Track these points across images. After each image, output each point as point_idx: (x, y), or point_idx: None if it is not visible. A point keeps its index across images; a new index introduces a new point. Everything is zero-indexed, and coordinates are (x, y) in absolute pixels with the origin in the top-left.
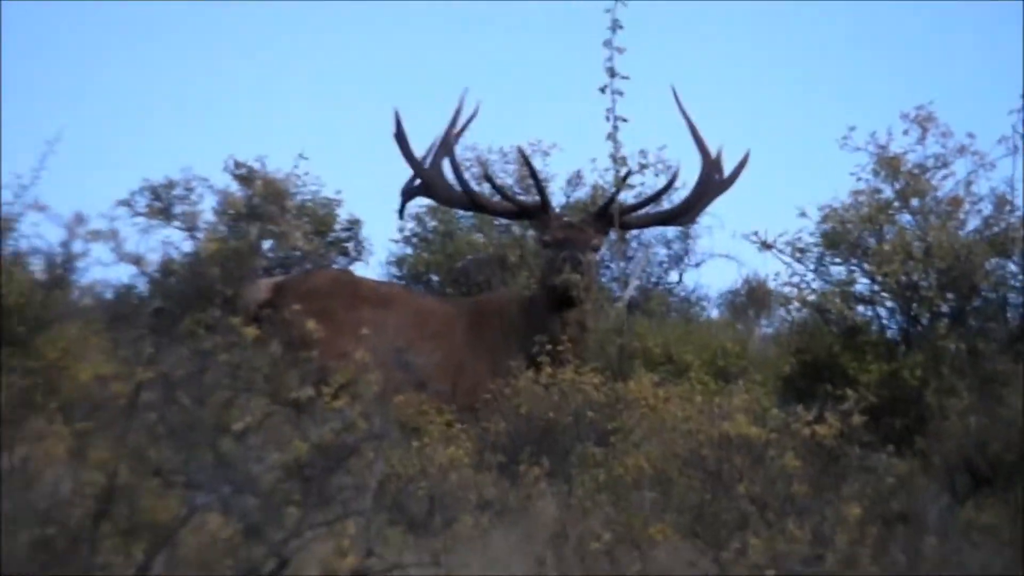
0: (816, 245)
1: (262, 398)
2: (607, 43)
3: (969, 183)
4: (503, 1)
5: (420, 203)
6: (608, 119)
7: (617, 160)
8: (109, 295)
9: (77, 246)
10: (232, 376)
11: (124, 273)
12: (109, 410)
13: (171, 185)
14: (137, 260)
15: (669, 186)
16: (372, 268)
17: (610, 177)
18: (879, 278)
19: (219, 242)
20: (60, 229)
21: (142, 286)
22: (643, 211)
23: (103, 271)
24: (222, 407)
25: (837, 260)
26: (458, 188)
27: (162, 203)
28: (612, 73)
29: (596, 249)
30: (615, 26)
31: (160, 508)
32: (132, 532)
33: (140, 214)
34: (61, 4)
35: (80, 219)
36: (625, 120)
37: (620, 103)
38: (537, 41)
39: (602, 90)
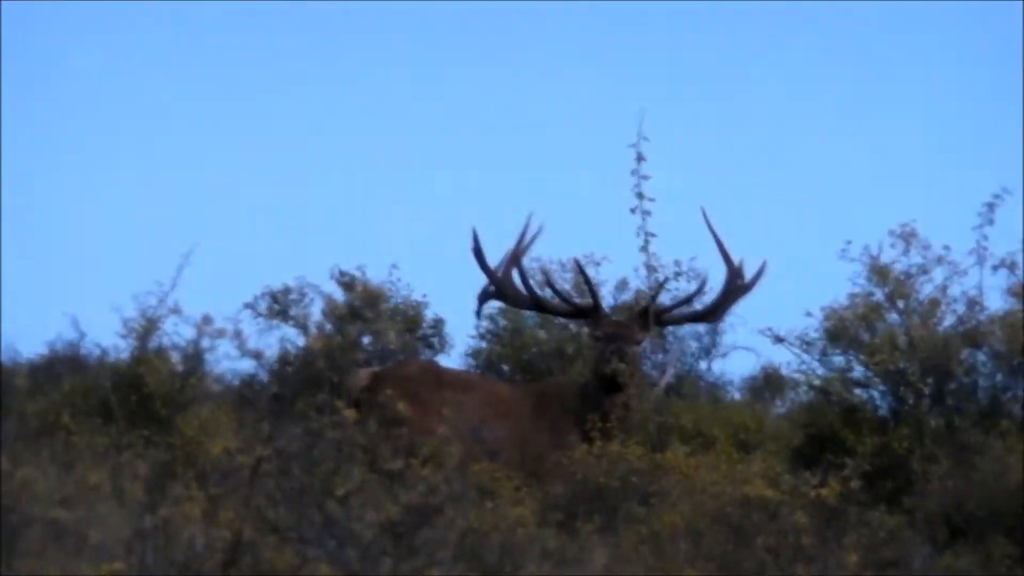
0: (820, 339)
1: (361, 468)
2: (634, 172)
3: (945, 287)
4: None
5: (493, 305)
6: (638, 235)
7: (649, 269)
8: (236, 382)
9: (205, 342)
10: (336, 450)
11: (248, 365)
12: (236, 478)
13: (287, 291)
14: (257, 355)
15: (699, 290)
16: (454, 359)
17: (648, 283)
18: (872, 366)
19: (326, 339)
20: (192, 328)
21: (263, 375)
22: (677, 311)
23: (230, 363)
24: (328, 475)
25: (838, 351)
26: (525, 293)
27: (280, 305)
28: (640, 196)
29: (639, 343)
30: (639, 158)
31: (278, 560)
32: None
33: (261, 315)
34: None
35: (207, 320)
36: (654, 235)
37: (649, 220)
38: (594, 165)
39: (632, 211)
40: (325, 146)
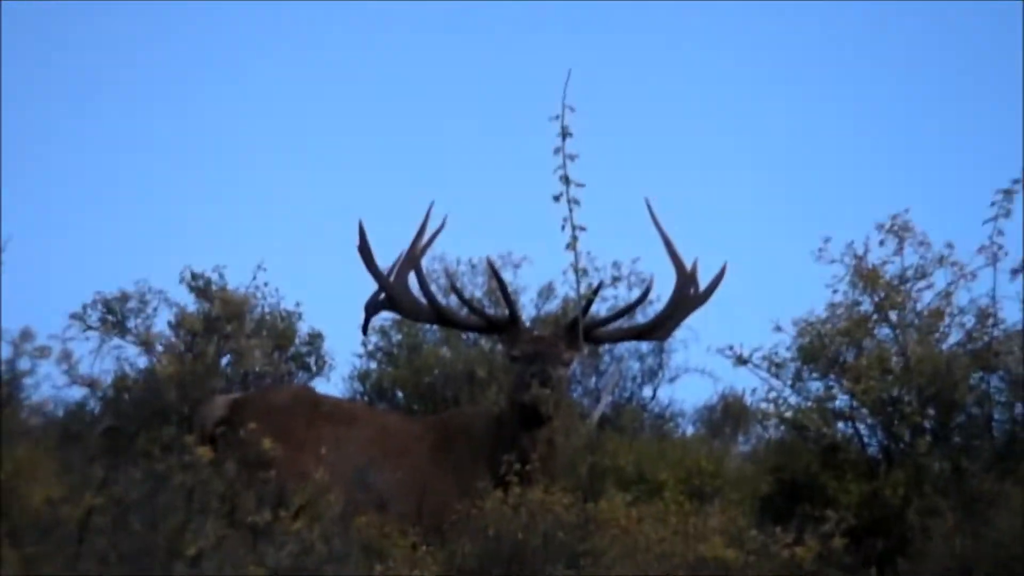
0: (793, 360)
1: (217, 521)
2: (557, 150)
3: (949, 294)
4: (465, 105)
5: (385, 317)
6: (564, 229)
7: (580, 272)
8: (60, 413)
9: (23, 363)
10: (187, 498)
11: (77, 392)
12: (60, 534)
13: (125, 298)
14: (91, 383)
15: (642, 299)
16: (334, 384)
17: (577, 290)
18: (858, 394)
19: (174, 359)
20: (6, 346)
21: (94, 404)
22: (616, 324)
23: (54, 390)
24: (176, 531)
25: (815, 375)
26: (424, 301)
27: (116, 317)
28: (567, 180)
29: (567, 364)
30: (564, 133)
31: None
32: None
33: (92, 328)
34: None
35: (27, 336)
36: (583, 229)
37: (579, 211)
38: (506, 150)
39: (556, 199)
40: (172, 119)
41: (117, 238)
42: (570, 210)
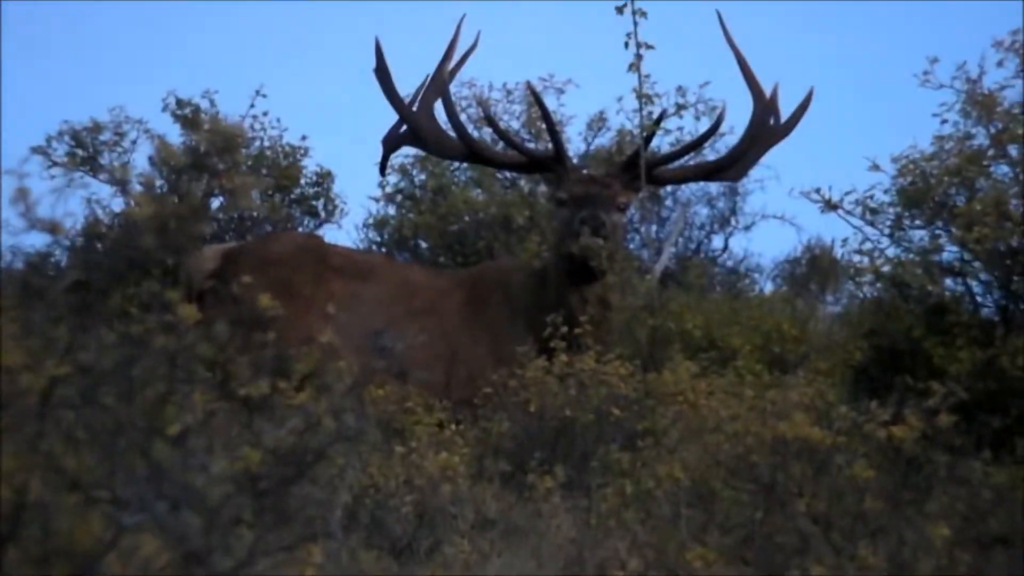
0: (892, 204)
1: (206, 393)
2: None
3: None
4: None
5: (407, 152)
6: (627, 46)
7: (642, 97)
8: (19, 265)
9: None
10: (169, 366)
11: (39, 240)
12: (18, 409)
13: (98, 128)
14: (52, 227)
15: (713, 131)
16: (346, 232)
17: (638, 120)
18: (970, 244)
19: (155, 200)
20: None
21: (60, 254)
22: (681, 162)
23: (10, 237)
24: (156, 405)
25: (918, 222)
26: (453, 134)
27: (86, 151)
28: None
29: (623, 209)
30: None
31: (80, 530)
32: (46, 559)
33: (58, 164)
34: None
35: None
36: (651, 47)
37: (644, 26)
38: None
39: (619, 10)
40: None
41: (90, 59)
42: (635, 23)
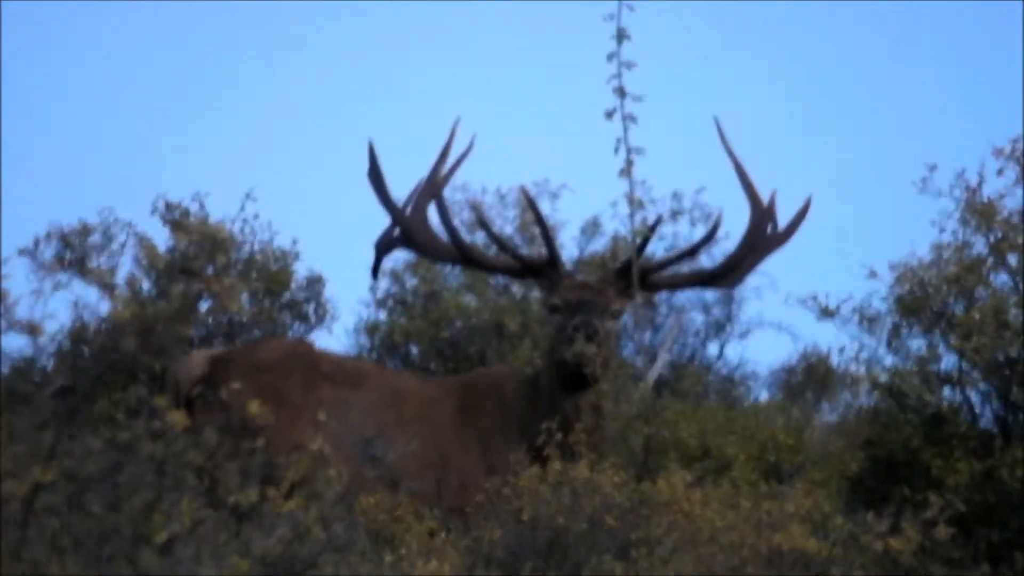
0: (889, 312)
1: (194, 500)
2: (611, 56)
3: None
4: (496, 13)
5: (399, 257)
6: (618, 151)
7: (634, 202)
8: (3, 370)
9: None
10: (156, 473)
11: (20, 343)
12: (1, 516)
13: (86, 231)
14: (31, 329)
15: (709, 238)
16: (336, 338)
17: (631, 226)
18: (968, 353)
19: (141, 304)
20: None
21: (45, 359)
22: (676, 269)
23: None
24: (143, 512)
25: (916, 331)
26: (446, 238)
27: (74, 253)
28: (622, 93)
29: (617, 315)
30: (621, 36)
31: None
32: None
33: (44, 267)
34: None
35: None
36: (640, 151)
37: (636, 131)
38: (542, 62)
39: (609, 115)
40: (147, 21)
41: (79, 160)
42: (625, 128)
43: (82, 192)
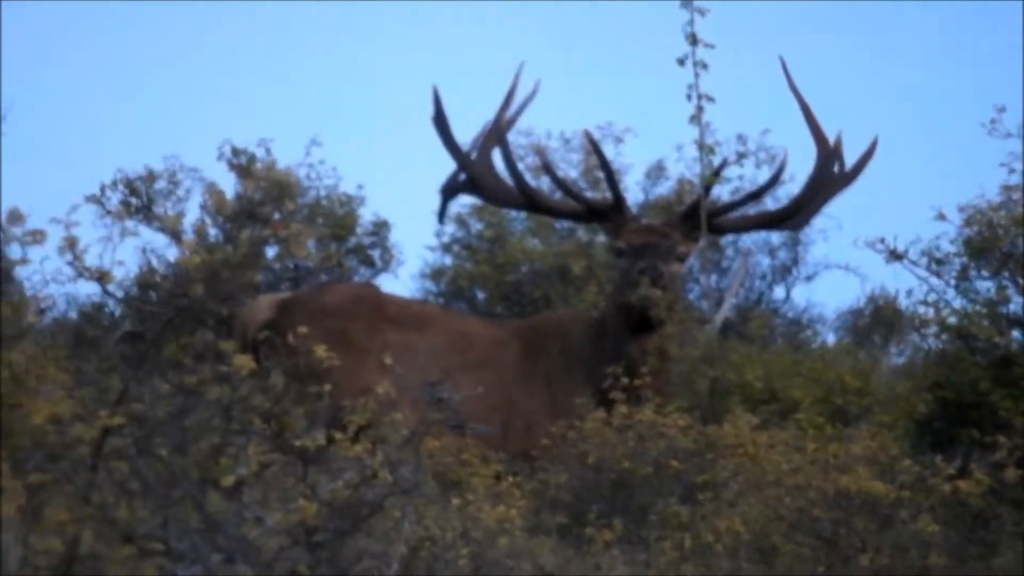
0: (958, 255)
1: (260, 444)
2: (685, 3)
3: None
4: None
5: (464, 202)
6: (690, 98)
7: (704, 148)
8: (71, 315)
9: (14, 251)
10: (223, 417)
11: (90, 289)
12: (70, 460)
13: (152, 177)
14: (101, 275)
15: (775, 180)
16: (402, 282)
17: (698, 169)
18: None
19: (208, 250)
20: None
21: (112, 304)
22: (742, 211)
23: (62, 286)
24: (210, 456)
25: (985, 273)
26: (511, 183)
27: (140, 200)
28: (694, 40)
29: (682, 258)
30: None
31: None
32: None
33: (112, 213)
34: None
35: (15, 216)
36: (711, 99)
37: (705, 78)
38: (608, 3)
39: (681, 62)
40: None
41: (145, 107)
42: (696, 75)
43: (147, 140)
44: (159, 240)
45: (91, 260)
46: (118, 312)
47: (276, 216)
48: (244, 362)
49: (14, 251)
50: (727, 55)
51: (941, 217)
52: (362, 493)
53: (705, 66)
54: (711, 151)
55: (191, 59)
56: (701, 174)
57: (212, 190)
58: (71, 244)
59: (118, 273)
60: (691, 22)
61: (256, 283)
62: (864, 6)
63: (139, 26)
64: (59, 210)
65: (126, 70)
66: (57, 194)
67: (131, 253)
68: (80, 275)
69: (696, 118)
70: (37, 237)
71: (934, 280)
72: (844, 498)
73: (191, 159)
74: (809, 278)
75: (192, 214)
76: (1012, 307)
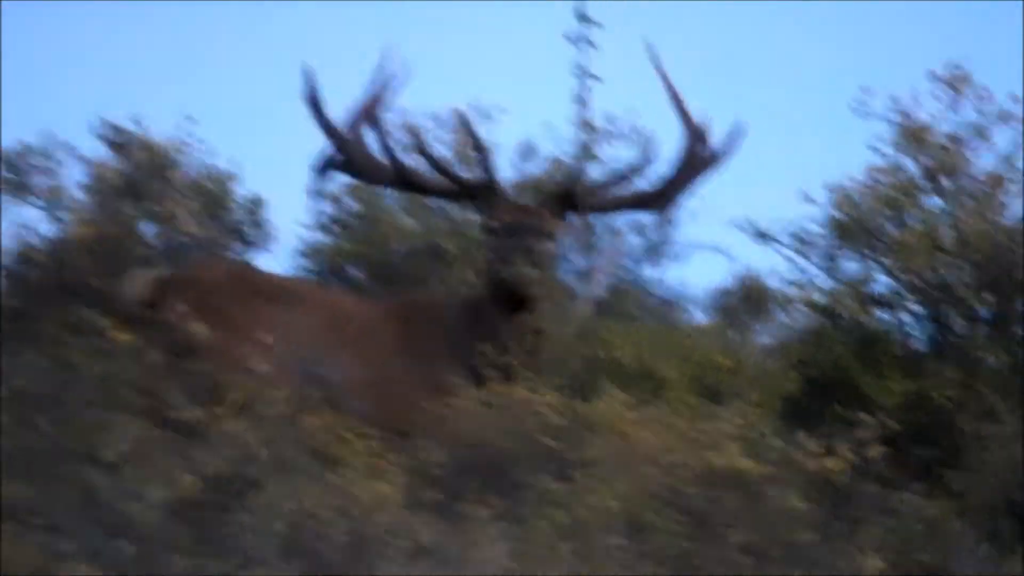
0: (824, 235)
1: (140, 420)
2: None
3: (1011, 159)
4: None
5: (338, 180)
6: (576, 76)
7: (586, 127)
8: None
9: None
10: (103, 392)
11: None
12: None
13: (27, 152)
14: None
15: (645, 162)
16: (277, 259)
17: (576, 149)
18: (901, 276)
19: (90, 226)
20: None
21: None
22: (612, 191)
23: None
24: (90, 431)
25: (850, 254)
26: (385, 161)
27: (16, 175)
28: (584, 18)
29: (554, 237)
30: None
31: (14, 557)
32: None
33: None
34: None
35: None
36: (598, 79)
37: (593, 57)
38: None
39: (570, 40)
40: None
41: (16, 81)
42: (585, 55)
43: (20, 116)
44: (34, 215)
45: None
46: None
47: (171, 192)
48: (124, 338)
49: None
50: (600, 36)
51: (808, 199)
52: (241, 468)
53: (593, 45)
54: (593, 129)
55: (60, 33)
56: (572, 155)
57: (97, 165)
58: None
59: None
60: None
61: (135, 258)
62: None
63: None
64: None
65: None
66: None
67: (6, 229)
68: None
69: (581, 98)
70: None
71: (801, 260)
72: (713, 475)
73: (64, 134)
74: (679, 258)
75: (71, 190)
76: (877, 287)
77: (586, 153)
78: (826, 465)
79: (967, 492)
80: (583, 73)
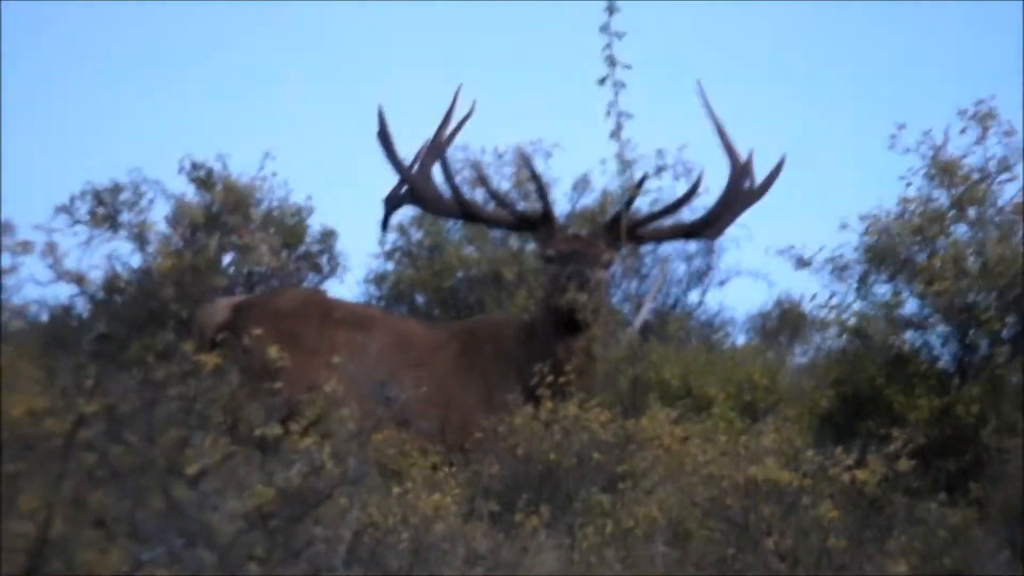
0: (859, 262)
1: (220, 437)
2: (604, 28)
3: None
4: None
5: (405, 212)
6: (608, 115)
7: (622, 163)
8: (45, 317)
9: (4, 260)
10: (186, 411)
11: (62, 292)
12: (44, 450)
13: (117, 189)
14: (78, 279)
15: (691, 193)
16: (348, 287)
17: (620, 183)
18: (930, 299)
19: (174, 257)
20: None
21: (83, 307)
22: (660, 222)
23: (38, 290)
24: (174, 447)
25: (882, 278)
26: (449, 195)
27: (107, 210)
28: (612, 62)
29: (606, 265)
30: (611, 8)
31: (100, 564)
32: None
33: (81, 222)
34: None
35: (7, 228)
36: (629, 116)
37: (624, 96)
38: (537, 31)
39: (601, 82)
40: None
41: (109, 123)
42: (615, 94)
43: (112, 154)
44: (124, 247)
45: (68, 264)
46: (86, 314)
47: (250, 226)
48: (206, 360)
49: (5, 260)
50: (647, 75)
51: (844, 227)
52: (312, 482)
53: (623, 85)
54: (629, 165)
55: (153, 77)
56: (622, 186)
57: (179, 201)
58: (51, 249)
59: (92, 276)
60: (609, 45)
61: (216, 287)
62: (772, 32)
63: (94, 48)
64: (28, 220)
65: (88, 90)
66: (24, 206)
67: (97, 259)
68: (59, 278)
69: (616, 134)
70: (27, 247)
71: (836, 285)
72: (753, 487)
73: (153, 172)
74: (722, 283)
75: (156, 224)
76: (906, 310)
77: (635, 188)
78: (858, 477)
79: (989, 501)
80: (616, 112)
